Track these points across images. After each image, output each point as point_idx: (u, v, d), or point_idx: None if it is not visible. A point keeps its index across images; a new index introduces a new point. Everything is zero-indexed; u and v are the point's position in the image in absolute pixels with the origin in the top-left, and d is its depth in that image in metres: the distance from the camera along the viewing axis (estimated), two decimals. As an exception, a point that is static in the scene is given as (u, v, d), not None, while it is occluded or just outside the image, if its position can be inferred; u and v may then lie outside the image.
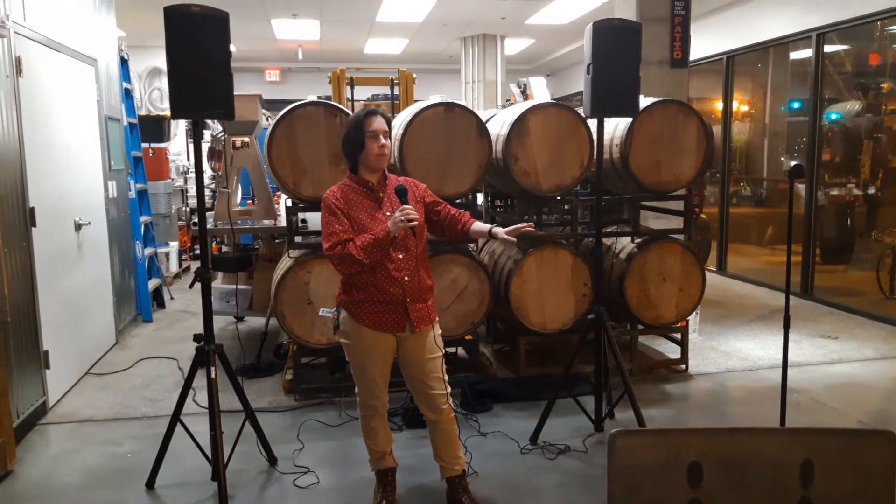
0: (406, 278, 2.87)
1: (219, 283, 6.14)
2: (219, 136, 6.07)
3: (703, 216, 8.09)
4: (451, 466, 3.09)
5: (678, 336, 4.99)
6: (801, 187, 7.21)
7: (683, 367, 4.97)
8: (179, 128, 10.56)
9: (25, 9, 4.24)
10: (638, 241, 4.77)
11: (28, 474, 3.52)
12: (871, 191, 7.06)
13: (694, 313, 5.14)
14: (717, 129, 8.52)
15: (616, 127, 4.64)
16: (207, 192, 7.08)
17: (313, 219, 5.04)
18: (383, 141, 2.88)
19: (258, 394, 4.52)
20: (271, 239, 5.79)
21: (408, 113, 4.46)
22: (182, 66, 3.02)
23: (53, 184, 4.54)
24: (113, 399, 4.53)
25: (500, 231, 2.94)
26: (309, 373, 4.61)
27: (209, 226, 5.18)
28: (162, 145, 8.37)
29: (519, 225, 2.94)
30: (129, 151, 6.46)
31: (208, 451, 3.30)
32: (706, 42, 8.32)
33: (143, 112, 10.70)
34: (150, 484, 3.36)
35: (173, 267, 8.23)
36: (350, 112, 4.39)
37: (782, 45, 7.70)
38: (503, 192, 5.49)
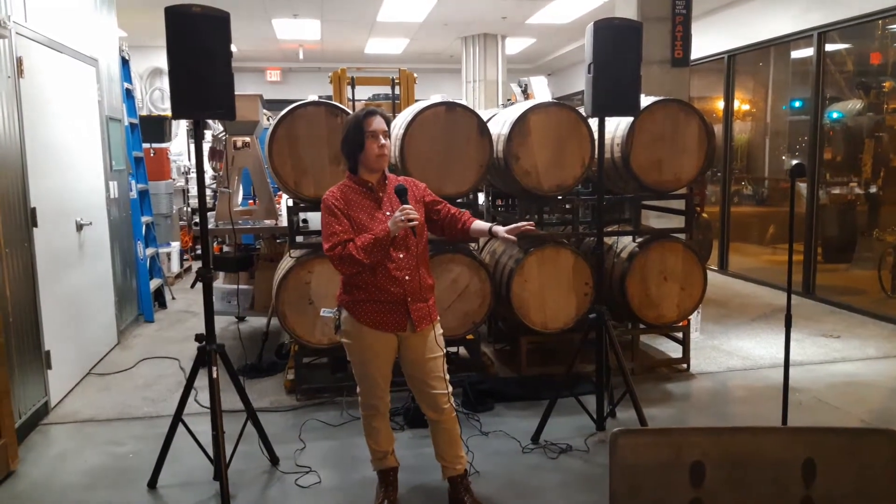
0: (407, 278, 2.87)
1: (220, 283, 6.14)
2: (220, 136, 6.07)
3: (704, 215, 8.09)
4: (452, 466, 3.09)
5: (680, 335, 4.99)
6: (802, 186, 7.21)
7: (685, 366, 4.96)
8: (180, 128, 10.57)
9: (27, 9, 4.24)
10: (639, 240, 4.77)
11: (30, 474, 3.52)
12: (873, 190, 7.05)
13: (695, 312, 5.14)
14: (718, 129, 8.52)
15: (617, 126, 4.64)
16: (208, 192, 7.10)
17: (314, 219, 5.04)
18: (383, 141, 2.87)
19: (260, 394, 4.52)
20: (272, 239, 5.79)
21: (409, 113, 4.46)
22: (183, 67, 3.02)
23: (55, 184, 4.54)
24: (115, 399, 4.53)
25: (500, 230, 2.94)
26: (310, 373, 4.61)
27: (210, 226, 5.19)
28: (163, 145, 8.37)
29: (519, 223, 2.94)
30: (130, 151, 6.46)
31: (210, 451, 3.30)
32: (707, 41, 8.32)
33: (144, 112, 10.71)
34: (152, 484, 3.36)
35: (175, 267, 8.24)
36: (351, 112, 4.39)
37: (783, 43, 7.69)
38: (504, 191, 5.49)
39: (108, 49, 6.01)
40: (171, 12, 2.98)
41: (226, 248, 6.26)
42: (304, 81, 14.16)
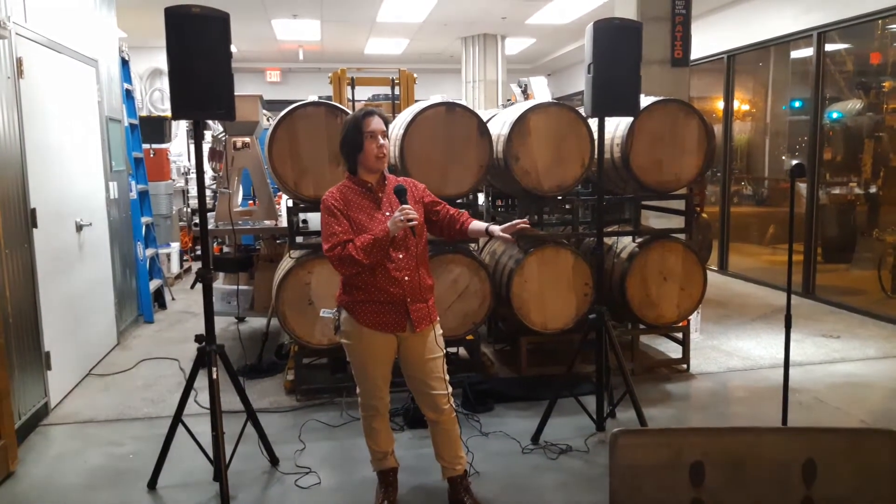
0: (406, 278, 2.87)
1: (220, 284, 6.14)
2: (220, 136, 6.07)
3: (704, 215, 8.08)
4: (452, 466, 3.09)
5: (679, 335, 4.99)
6: (802, 186, 7.21)
7: (685, 366, 4.96)
8: (180, 128, 10.57)
9: (26, 10, 4.24)
10: (639, 240, 4.77)
11: (30, 475, 3.52)
12: (873, 190, 7.05)
13: (695, 313, 5.14)
14: (718, 129, 8.52)
15: (617, 126, 4.64)
16: (208, 192, 7.10)
17: (314, 219, 5.04)
18: (382, 141, 2.87)
19: (260, 394, 4.52)
20: (272, 239, 5.79)
21: (408, 113, 4.46)
22: (183, 67, 3.02)
23: (54, 185, 4.54)
24: (114, 400, 4.53)
25: (496, 229, 2.94)
26: (310, 373, 4.61)
27: (210, 226, 5.19)
28: (163, 146, 8.36)
29: (515, 222, 2.93)
30: (129, 152, 6.46)
31: (210, 452, 3.29)
32: (707, 41, 8.32)
33: (143, 113, 10.70)
34: (152, 485, 3.36)
35: (174, 268, 8.24)
36: (351, 112, 4.39)
37: (783, 43, 7.69)
38: (504, 191, 5.49)
39: (107, 50, 6.01)
40: (170, 13, 2.98)
41: (226, 249, 6.27)
42: (304, 82, 14.16)
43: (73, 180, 4.93)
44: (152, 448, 3.50)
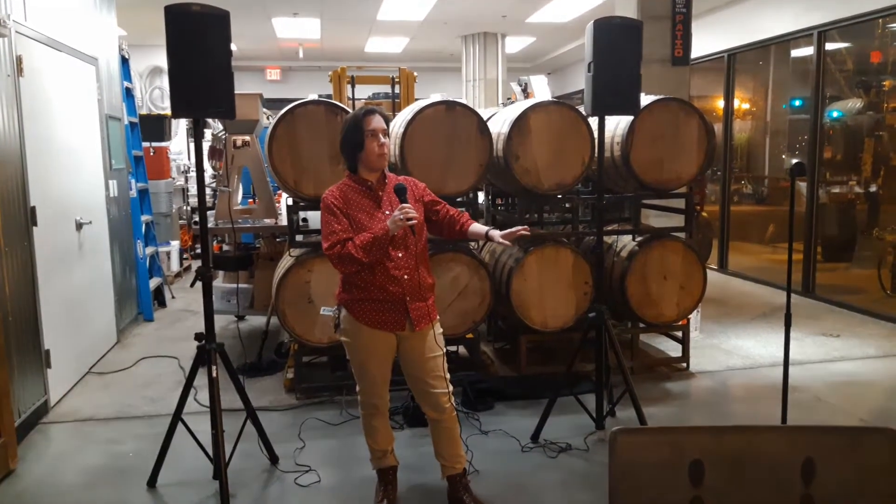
0: (406, 277, 2.87)
1: (220, 282, 6.14)
2: (220, 134, 6.07)
3: (704, 214, 8.08)
4: (452, 465, 3.09)
5: (679, 334, 4.99)
6: (802, 185, 7.20)
7: (685, 365, 4.96)
8: (180, 127, 10.56)
9: (26, 8, 4.24)
10: (639, 239, 4.77)
11: (30, 473, 3.52)
12: (873, 189, 7.05)
13: (695, 311, 5.14)
14: (718, 127, 8.51)
15: (617, 125, 4.63)
16: (208, 190, 7.09)
17: (314, 217, 5.04)
18: (382, 140, 2.88)
19: (259, 392, 4.52)
20: (272, 238, 5.79)
21: (409, 112, 4.46)
22: (183, 65, 3.02)
23: (54, 183, 4.54)
24: (114, 398, 4.53)
25: (496, 234, 2.94)
26: (310, 371, 4.61)
27: (210, 225, 5.19)
28: (163, 144, 8.37)
29: (515, 229, 2.93)
30: (129, 150, 6.46)
31: (210, 450, 3.30)
32: (707, 40, 8.31)
33: (143, 111, 10.68)
34: (152, 483, 3.36)
35: (174, 266, 8.24)
36: (351, 111, 4.39)
37: (783, 42, 7.69)
38: (504, 190, 5.48)
39: (107, 48, 6.00)
40: (170, 11, 2.98)
41: (225, 247, 6.26)
42: (304, 80, 14.15)
43: (73, 178, 4.92)
44: (152, 446, 3.50)
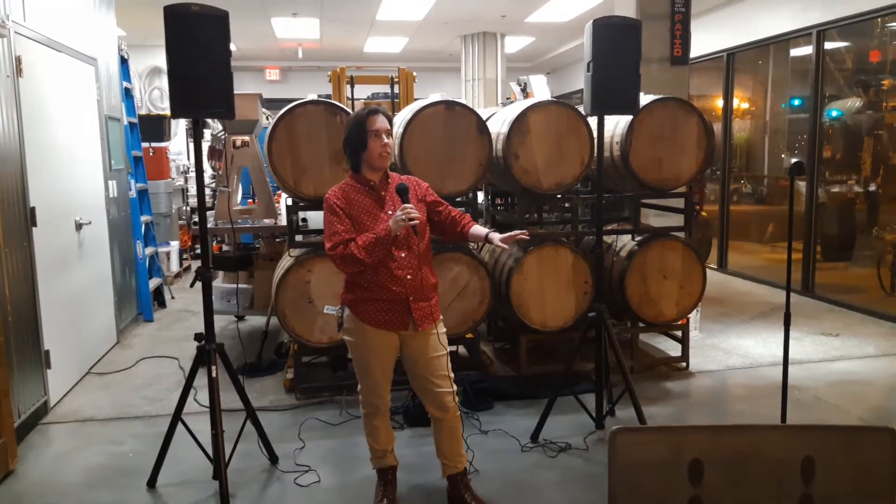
0: (409, 277, 2.87)
1: (219, 283, 6.14)
2: (219, 135, 6.07)
3: (703, 214, 8.09)
4: (453, 464, 3.09)
5: (679, 334, 4.99)
6: (801, 184, 7.21)
7: (684, 364, 4.97)
8: (180, 127, 10.56)
9: (25, 9, 4.24)
10: (638, 238, 4.77)
11: (29, 474, 3.52)
12: (872, 188, 7.05)
13: (694, 311, 5.14)
14: (717, 127, 8.51)
15: (616, 125, 4.64)
16: (208, 191, 7.07)
17: (314, 217, 5.04)
18: (385, 140, 2.88)
19: (259, 393, 4.52)
20: (272, 238, 5.79)
21: (408, 111, 4.46)
22: (182, 66, 3.02)
23: (54, 183, 4.54)
24: (114, 398, 4.53)
25: (495, 237, 2.93)
26: (310, 371, 4.62)
27: (210, 225, 5.18)
28: (162, 144, 8.36)
29: (513, 232, 2.94)
30: (129, 151, 6.46)
31: (209, 450, 3.30)
32: (707, 39, 8.31)
33: (143, 111, 10.69)
34: (152, 483, 3.36)
35: (174, 266, 8.24)
36: (350, 111, 4.39)
37: (783, 41, 7.69)
38: (504, 190, 5.49)
39: (107, 48, 6.00)
40: (170, 11, 2.98)
41: (225, 248, 6.26)
42: (304, 80, 14.15)
43: (73, 179, 4.92)
44: (152, 446, 3.50)
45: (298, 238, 4.50)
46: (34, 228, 4.15)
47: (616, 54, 3.59)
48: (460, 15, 10.33)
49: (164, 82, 11.52)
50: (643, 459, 1.62)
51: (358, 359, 3.00)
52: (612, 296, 4.77)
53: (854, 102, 7.17)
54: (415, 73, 6.53)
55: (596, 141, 3.83)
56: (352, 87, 6.45)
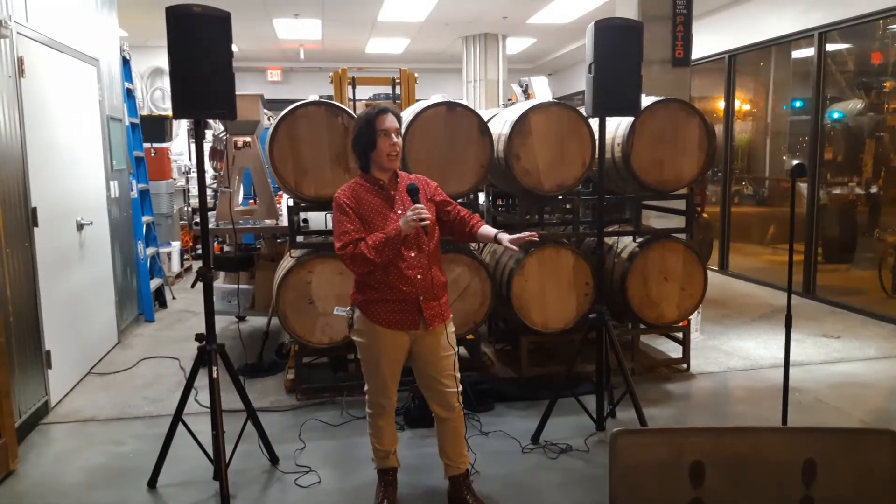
0: (419, 277, 2.86)
1: (220, 283, 6.14)
2: (221, 135, 6.07)
3: (704, 215, 8.09)
4: (456, 464, 3.09)
5: (680, 335, 4.99)
6: (803, 186, 7.21)
7: (685, 366, 4.96)
8: (181, 128, 10.56)
9: (28, 9, 4.25)
10: (640, 240, 4.77)
11: (30, 474, 3.52)
12: (874, 190, 7.05)
13: (696, 313, 5.13)
14: (719, 129, 8.51)
15: (618, 126, 4.64)
16: (209, 191, 7.09)
17: (315, 218, 5.04)
18: (395, 139, 2.87)
19: (260, 393, 4.52)
20: (273, 238, 5.79)
21: (409, 112, 4.46)
22: (184, 66, 3.03)
23: (55, 184, 4.54)
24: (115, 399, 4.53)
25: (504, 238, 2.92)
26: (311, 372, 4.62)
27: (211, 225, 5.19)
28: (164, 145, 8.37)
29: (523, 234, 2.93)
30: (130, 151, 6.47)
31: (210, 451, 3.30)
32: (708, 41, 8.32)
33: (144, 112, 10.70)
34: (152, 483, 3.36)
35: (175, 267, 8.24)
36: (352, 112, 4.39)
37: (784, 43, 7.69)
38: (505, 191, 5.48)
39: (108, 49, 6.01)
40: (171, 12, 2.98)
41: (226, 248, 6.27)
42: (305, 81, 14.16)
43: (74, 179, 4.93)
44: (152, 447, 3.50)
45: (299, 239, 4.50)
46: (35, 229, 4.16)
47: (617, 56, 3.59)
48: (462, 16, 10.34)
49: (165, 83, 11.54)
50: (644, 461, 1.62)
51: (368, 359, 2.99)
52: (613, 297, 4.77)
53: (855, 104, 7.17)
54: (416, 75, 6.54)
55: (597, 142, 3.83)
56: (353, 88, 6.46)
